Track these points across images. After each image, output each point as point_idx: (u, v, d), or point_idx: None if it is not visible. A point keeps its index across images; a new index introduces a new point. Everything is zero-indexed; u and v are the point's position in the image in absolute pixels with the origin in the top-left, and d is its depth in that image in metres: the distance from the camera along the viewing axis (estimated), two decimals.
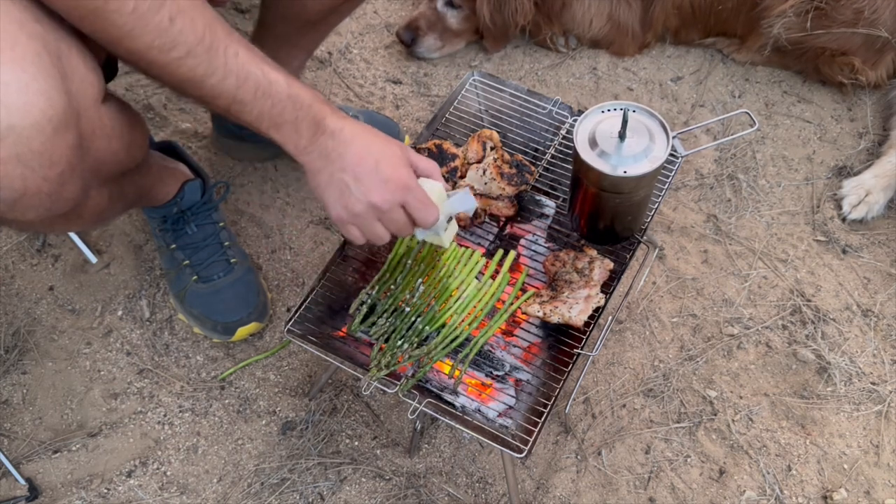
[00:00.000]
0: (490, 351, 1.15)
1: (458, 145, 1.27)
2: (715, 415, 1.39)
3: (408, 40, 1.85)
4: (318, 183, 0.99)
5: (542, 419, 1.04)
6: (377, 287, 1.16)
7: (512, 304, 1.15)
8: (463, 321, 1.13)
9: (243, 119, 0.93)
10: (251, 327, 1.43)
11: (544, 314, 1.10)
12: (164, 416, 1.40)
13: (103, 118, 0.92)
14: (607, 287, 1.15)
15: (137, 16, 0.80)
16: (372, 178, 0.97)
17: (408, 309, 1.14)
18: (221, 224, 1.46)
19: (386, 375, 1.08)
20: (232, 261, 1.44)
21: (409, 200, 0.99)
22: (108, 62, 1.06)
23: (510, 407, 1.12)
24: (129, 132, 0.99)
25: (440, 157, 1.23)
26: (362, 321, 1.14)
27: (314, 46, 1.48)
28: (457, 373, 1.10)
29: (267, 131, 0.95)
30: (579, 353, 1.09)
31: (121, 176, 1.06)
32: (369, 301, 1.15)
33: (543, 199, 1.28)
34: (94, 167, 0.94)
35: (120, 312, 1.51)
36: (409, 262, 1.17)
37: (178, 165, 1.42)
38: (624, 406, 1.40)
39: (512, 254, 1.20)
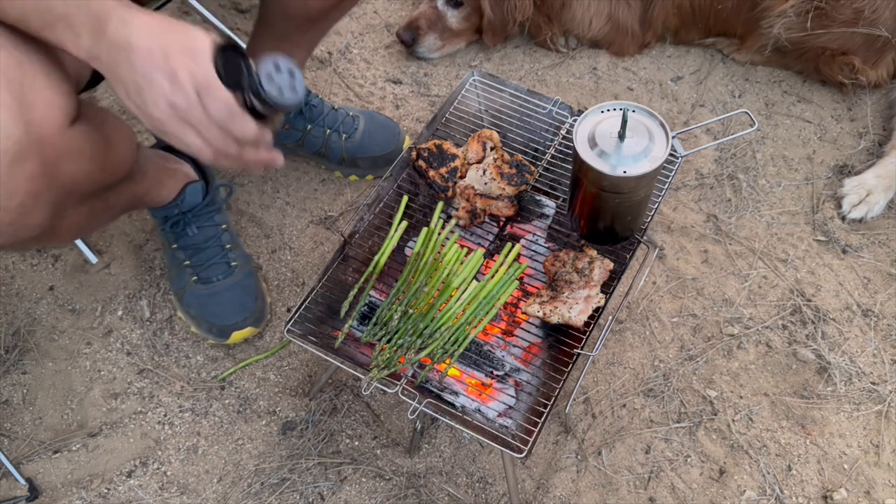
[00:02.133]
0: (490, 351, 1.15)
1: (458, 145, 1.27)
2: (715, 415, 1.39)
3: (408, 40, 1.85)
4: (120, 94, 0.85)
5: (542, 419, 1.04)
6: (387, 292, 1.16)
7: (500, 295, 1.15)
8: (459, 318, 1.13)
9: (11, 16, 0.81)
10: (246, 332, 1.43)
11: (544, 314, 1.10)
12: (165, 416, 1.40)
13: (73, 141, 0.88)
14: (607, 287, 1.15)
15: None
16: (161, 74, 0.81)
17: (410, 311, 1.13)
18: (224, 226, 1.45)
19: (386, 376, 1.08)
20: (232, 264, 1.44)
21: (202, 94, 0.83)
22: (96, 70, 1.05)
23: (510, 407, 1.12)
24: (105, 151, 0.95)
25: (440, 157, 1.23)
26: (362, 322, 1.14)
27: (314, 44, 1.48)
28: (443, 365, 1.10)
29: (39, 32, 0.82)
30: (579, 353, 1.09)
31: (104, 190, 1.04)
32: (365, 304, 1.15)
33: (543, 199, 1.28)
34: (67, 190, 0.91)
35: (120, 312, 1.51)
36: (410, 274, 1.17)
37: (181, 165, 1.41)
38: (624, 406, 1.40)
39: (518, 247, 1.20)
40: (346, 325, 1.13)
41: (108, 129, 0.98)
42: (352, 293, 1.15)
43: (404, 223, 1.21)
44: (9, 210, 0.83)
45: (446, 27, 1.86)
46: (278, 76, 0.85)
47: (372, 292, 1.20)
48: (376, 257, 1.19)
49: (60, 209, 0.93)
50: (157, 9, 1.44)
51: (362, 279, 1.17)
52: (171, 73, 0.81)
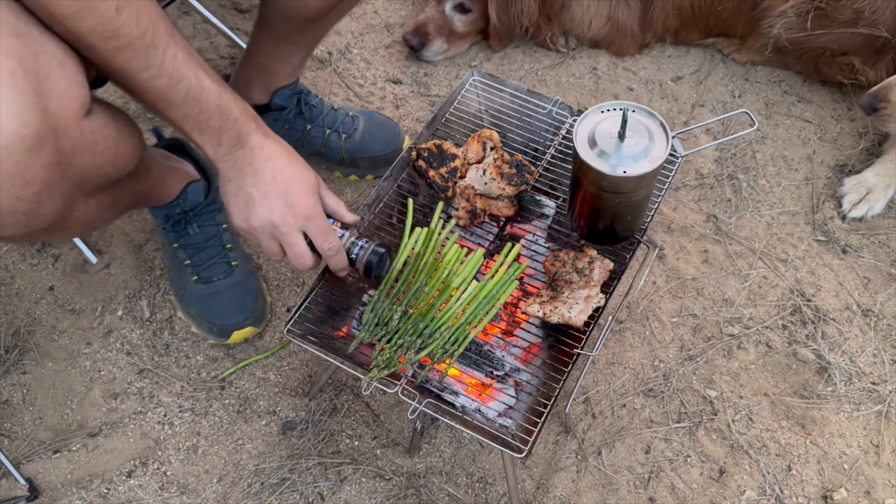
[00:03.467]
0: (490, 351, 1.15)
1: (458, 145, 1.27)
2: (715, 415, 1.39)
3: (417, 45, 1.85)
4: (226, 190, 1.02)
5: (542, 419, 1.04)
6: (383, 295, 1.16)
7: (500, 295, 1.15)
8: (459, 318, 1.13)
9: (168, 117, 0.95)
10: (247, 331, 1.43)
11: (544, 314, 1.10)
12: (165, 416, 1.40)
13: (86, 133, 0.91)
14: (607, 287, 1.15)
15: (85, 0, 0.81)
16: (278, 199, 1.00)
17: (411, 311, 1.13)
18: (225, 226, 1.45)
19: (386, 376, 1.08)
20: (233, 263, 1.44)
21: (310, 228, 1.03)
22: None
23: (510, 407, 1.12)
24: (116, 145, 0.98)
25: (440, 157, 1.23)
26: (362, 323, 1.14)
27: (314, 44, 1.48)
28: (443, 365, 1.10)
29: (189, 133, 0.97)
30: (579, 353, 1.09)
31: (111, 185, 1.05)
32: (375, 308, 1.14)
33: (543, 199, 1.28)
34: (78, 182, 0.93)
35: (120, 312, 1.51)
36: (411, 273, 1.17)
37: (182, 165, 1.41)
38: (624, 406, 1.40)
39: (518, 247, 1.20)
40: (362, 335, 1.12)
41: (119, 124, 0.99)
42: (372, 301, 1.14)
43: (417, 230, 1.20)
44: (24, 199, 0.84)
45: (453, 31, 1.86)
46: (385, 265, 1.13)
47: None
48: (393, 262, 1.18)
49: (71, 201, 0.94)
50: None
51: (382, 286, 1.15)
52: (288, 203, 1.00)
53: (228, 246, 1.45)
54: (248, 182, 1.00)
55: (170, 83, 0.90)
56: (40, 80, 0.82)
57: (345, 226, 1.10)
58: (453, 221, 1.22)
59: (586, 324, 1.10)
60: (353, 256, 1.10)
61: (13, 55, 0.79)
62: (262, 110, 1.51)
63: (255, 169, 1.00)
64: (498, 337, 1.17)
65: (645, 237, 1.20)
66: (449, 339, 1.11)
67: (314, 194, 1.04)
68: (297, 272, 1.56)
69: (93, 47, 0.85)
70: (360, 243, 1.10)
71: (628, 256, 1.19)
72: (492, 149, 1.25)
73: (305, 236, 1.04)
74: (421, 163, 1.22)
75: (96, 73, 0.94)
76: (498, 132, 1.28)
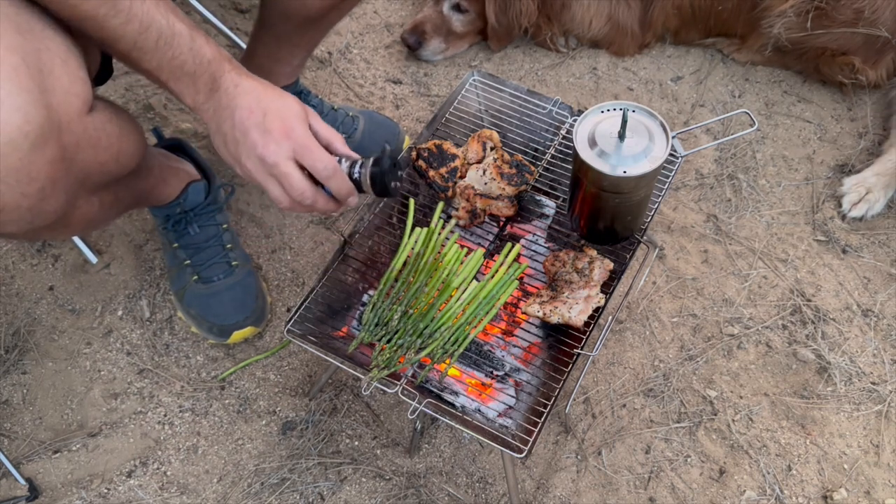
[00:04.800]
0: (490, 351, 1.15)
1: (458, 145, 1.27)
2: (715, 415, 1.39)
3: (414, 44, 1.85)
4: (216, 144, 0.98)
5: (542, 419, 1.04)
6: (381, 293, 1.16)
7: (500, 295, 1.14)
8: (459, 318, 1.13)
9: (143, 68, 0.92)
10: (247, 331, 1.43)
11: (544, 314, 1.10)
12: (165, 416, 1.40)
13: (89, 130, 0.91)
14: (607, 287, 1.15)
15: None
16: (257, 130, 0.93)
17: (411, 311, 1.13)
18: (225, 226, 1.45)
19: (386, 376, 1.08)
20: (233, 263, 1.44)
21: (297, 150, 0.94)
22: (102, 66, 1.06)
23: (510, 407, 1.12)
24: (119, 142, 0.98)
25: (440, 157, 1.23)
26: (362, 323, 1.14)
27: (314, 45, 1.48)
28: (443, 365, 1.10)
29: (166, 82, 0.94)
30: (579, 353, 1.09)
31: (113, 183, 1.05)
32: (376, 308, 1.14)
33: (543, 199, 1.28)
34: (81, 179, 0.93)
35: (120, 312, 1.51)
36: (411, 273, 1.17)
37: (183, 165, 1.41)
38: (624, 406, 1.40)
39: (518, 247, 1.20)
40: (362, 335, 1.12)
41: (121, 121, 0.99)
42: (372, 301, 1.15)
43: (417, 230, 1.20)
44: (29, 195, 0.84)
45: (451, 31, 1.86)
46: (392, 170, 1.00)
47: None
48: (393, 262, 1.18)
49: (74, 198, 0.94)
50: None
51: (382, 286, 1.16)
52: (265, 131, 0.93)
53: (228, 246, 1.45)
54: (228, 125, 0.95)
55: (140, 28, 0.87)
56: (44, 76, 0.82)
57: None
58: (453, 221, 1.22)
59: (586, 324, 1.10)
60: (357, 176, 1.00)
61: (16, 51, 0.79)
62: None
63: (231, 110, 0.94)
64: (498, 337, 1.17)
65: (645, 237, 1.20)
66: (449, 339, 1.11)
67: (297, 118, 0.95)
68: (296, 272, 1.56)
69: None
70: (359, 162, 1.00)
71: (628, 256, 1.19)
72: (492, 149, 1.25)
73: (305, 171, 0.97)
74: (421, 163, 1.22)
75: (105, 71, 0.94)
76: (498, 132, 1.28)
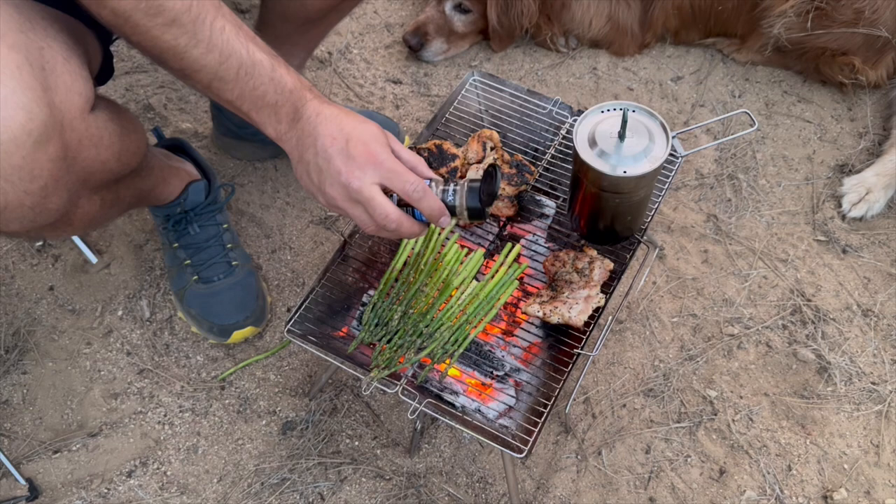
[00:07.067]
0: (490, 351, 1.15)
1: (458, 145, 1.27)
2: (715, 415, 1.39)
3: (416, 45, 1.85)
4: (299, 175, 0.96)
5: (542, 419, 1.04)
6: (381, 293, 1.16)
7: (500, 295, 1.14)
8: (459, 318, 1.13)
9: (224, 98, 0.91)
10: (247, 331, 1.43)
11: (544, 314, 1.10)
12: (165, 416, 1.40)
13: (91, 128, 0.91)
14: (607, 287, 1.15)
15: None
16: (340, 157, 0.92)
17: (411, 311, 1.13)
18: (225, 226, 1.46)
19: (386, 376, 1.08)
20: (233, 263, 1.44)
21: (382, 174, 0.93)
22: (103, 65, 1.06)
23: (510, 407, 1.12)
24: (121, 140, 0.98)
25: (440, 157, 1.23)
26: (363, 322, 1.14)
27: (314, 45, 1.48)
28: (443, 365, 1.10)
29: (247, 113, 0.93)
30: (579, 353, 1.09)
31: (115, 182, 1.05)
32: (376, 308, 1.14)
33: (543, 199, 1.28)
34: (83, 177, 0.93)
35: (120, 312, 1.51)
36: (411, 273, 1.16)
37: (183, 164, 1.41)
38: (624, 406, 1.40)
39: (518, 247, 1.20)
40: (362, 335, 1.12)
41: (123, 120, 0.99)
42: (372, 301, 1.15)
43: None
44: (31, 193, 0.84)
45: (453, 31, 1.86)
46: (489, 197, 0.99)
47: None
48: (393, 262, 1.18)
49: (76, 197, 0.94)
50: None
51: (382, 286, 1.16)
52: (349, 157, 0.91)
53: (229, 246, 1.45)
54: (311, 153, 0.93)
55: (220, 59, 0.86)
56: (46, 74, 0.82)
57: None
58: (453, 221, 1.22)
59: (586, 324, 1.10)
60: (450, 201, 0.98)
61: (19, 50, 0.79)
62: None
63: (314, 138, 0.92)
64: (498, 337, 1.17)
65: (645, 237, 1.20)
66: (449, 339, 1.11)
67: (379, 144, 0.93)
68: (296, 272, 1.56)
69: (138, 26, 0.82)
70: (451, 186, 0.98)
71: (628, 256, 1.19)
72: (492, 149, 1.25)
73: (390, 194, 0.95)
74: None
75: (105, 70, 0.94)
76: (498, 132, 1.28)
